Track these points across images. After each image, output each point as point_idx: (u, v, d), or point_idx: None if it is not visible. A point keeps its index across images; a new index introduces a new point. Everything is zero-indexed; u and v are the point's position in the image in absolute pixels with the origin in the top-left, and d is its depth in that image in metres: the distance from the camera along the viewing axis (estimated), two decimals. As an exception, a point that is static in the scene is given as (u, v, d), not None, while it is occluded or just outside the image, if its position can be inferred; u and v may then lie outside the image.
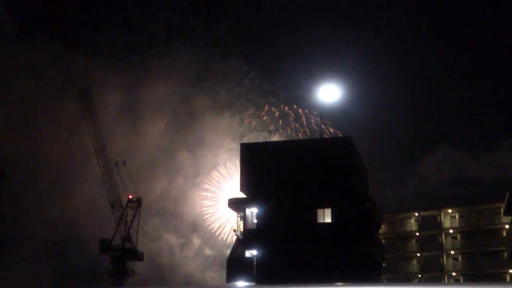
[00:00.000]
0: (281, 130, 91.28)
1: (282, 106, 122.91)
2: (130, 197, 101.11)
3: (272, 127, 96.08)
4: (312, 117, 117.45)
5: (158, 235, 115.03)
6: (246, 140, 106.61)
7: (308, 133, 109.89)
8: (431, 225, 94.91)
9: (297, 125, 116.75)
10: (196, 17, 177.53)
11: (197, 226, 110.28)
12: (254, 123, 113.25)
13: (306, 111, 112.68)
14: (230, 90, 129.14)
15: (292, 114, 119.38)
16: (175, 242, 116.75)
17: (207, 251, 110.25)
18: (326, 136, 63.94)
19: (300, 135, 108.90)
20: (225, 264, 58.92)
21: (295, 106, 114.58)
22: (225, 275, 57.08)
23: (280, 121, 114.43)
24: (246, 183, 57.88)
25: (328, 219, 54.55)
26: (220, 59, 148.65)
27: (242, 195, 58.95)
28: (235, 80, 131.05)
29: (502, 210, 75.71)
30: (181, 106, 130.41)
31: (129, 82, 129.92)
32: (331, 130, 60.62)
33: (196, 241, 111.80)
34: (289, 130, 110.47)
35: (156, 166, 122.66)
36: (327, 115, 78.65)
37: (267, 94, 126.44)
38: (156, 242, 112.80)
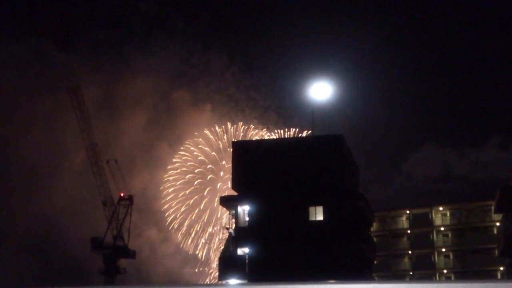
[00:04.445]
0: (264, 129, 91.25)
1: (264, 100, 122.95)
2: (122, 195, 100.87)
3: (265, 126, 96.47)
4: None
5: (139, 231, 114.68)
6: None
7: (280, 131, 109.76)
8: (422, 223, 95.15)
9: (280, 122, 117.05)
10: (175, 9, 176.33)
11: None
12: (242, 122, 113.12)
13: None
14: (210, 84, 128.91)
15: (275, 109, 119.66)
16: (155, 239, 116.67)
17: (187, 245, 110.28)
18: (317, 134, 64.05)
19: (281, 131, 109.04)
20: (204, 260, 58.93)
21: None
22: (202, 270, 57.07)
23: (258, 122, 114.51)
24: (238, 181, 57.86)
25: (320, 217, 54.60)
26: (201, 53, 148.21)
27: (233, 192, 58.97)
28: (216, 74, 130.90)
29: (492, 207, 76.06)
30: (161, 101, 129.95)
31: (108, 76, 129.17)
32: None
33: (176, 237, 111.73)
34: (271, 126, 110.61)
35: (136, 161, 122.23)
36: (318, 112, 78.72)
37: (248, 88, 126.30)
38: (136, 239, 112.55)
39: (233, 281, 54.65)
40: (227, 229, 59.80)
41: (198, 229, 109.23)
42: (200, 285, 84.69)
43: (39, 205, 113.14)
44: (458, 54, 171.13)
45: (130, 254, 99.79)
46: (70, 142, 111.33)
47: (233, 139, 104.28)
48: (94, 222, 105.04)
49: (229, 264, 55.97)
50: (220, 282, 57.47)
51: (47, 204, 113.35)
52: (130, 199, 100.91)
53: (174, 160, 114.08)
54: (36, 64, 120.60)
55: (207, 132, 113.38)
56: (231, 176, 60.15)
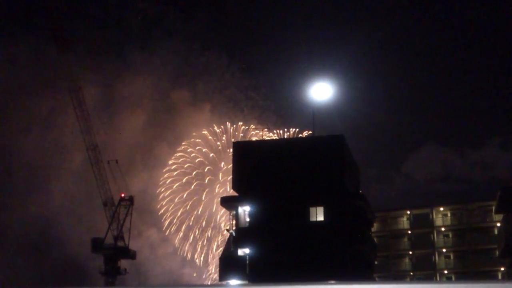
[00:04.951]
0: (266, 129, 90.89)
1: (264, 101, 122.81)
2: (123, 195, 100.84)
3: (265, 126, 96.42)
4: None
5: (138, 231, 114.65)
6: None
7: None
8: (423, 223, 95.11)
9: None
10: (174, 9, 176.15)
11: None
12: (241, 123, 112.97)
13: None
14: (209, 84, 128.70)
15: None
16: (154, 239, 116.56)
17: (185, 248, 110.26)
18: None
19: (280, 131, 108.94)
20: (203, 261, 58.91)
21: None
22: (201, 271, 57.10)
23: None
24: (238, 181, 57.84)
25: (320, 217, 54.58)
26: (200, 53, 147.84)
27: (234, 193, 58.94)
28: (215, 74, 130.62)
29: (493, 208, 75.99)
30: (161, 101, 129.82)
31: (107, 76, 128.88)
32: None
33: (174, 238, 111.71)
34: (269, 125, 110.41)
35: (135, 161, 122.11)
36: (319, 113, 78.65)
37: (247, 88, 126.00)
38: (136, 239, 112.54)
39: (233, 281, 54.63)
40: (228, 230, 59.77)
41: (196, 233, 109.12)
42: (200, 285, 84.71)
43: (39, 205, 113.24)
44: (458, 54, 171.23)
45: (130, 254, 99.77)
46: (70, 142, 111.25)
47: (232, 140, 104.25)
48: (95, 222, 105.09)
49: (229, 264, 55.95)
50: (220, 282, 57.44)
51: (47, 204, 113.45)
52: (130, 199, 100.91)
53: (171, 161, 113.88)
54: (36, 64, 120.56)
55: (205, 132, 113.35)
56: (231, 177, 60.09)
